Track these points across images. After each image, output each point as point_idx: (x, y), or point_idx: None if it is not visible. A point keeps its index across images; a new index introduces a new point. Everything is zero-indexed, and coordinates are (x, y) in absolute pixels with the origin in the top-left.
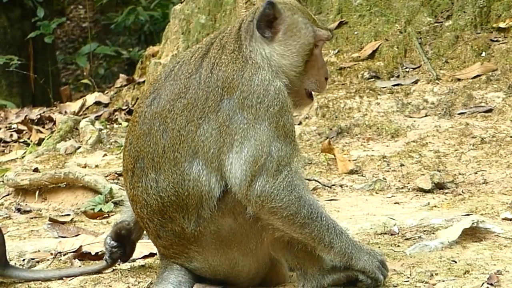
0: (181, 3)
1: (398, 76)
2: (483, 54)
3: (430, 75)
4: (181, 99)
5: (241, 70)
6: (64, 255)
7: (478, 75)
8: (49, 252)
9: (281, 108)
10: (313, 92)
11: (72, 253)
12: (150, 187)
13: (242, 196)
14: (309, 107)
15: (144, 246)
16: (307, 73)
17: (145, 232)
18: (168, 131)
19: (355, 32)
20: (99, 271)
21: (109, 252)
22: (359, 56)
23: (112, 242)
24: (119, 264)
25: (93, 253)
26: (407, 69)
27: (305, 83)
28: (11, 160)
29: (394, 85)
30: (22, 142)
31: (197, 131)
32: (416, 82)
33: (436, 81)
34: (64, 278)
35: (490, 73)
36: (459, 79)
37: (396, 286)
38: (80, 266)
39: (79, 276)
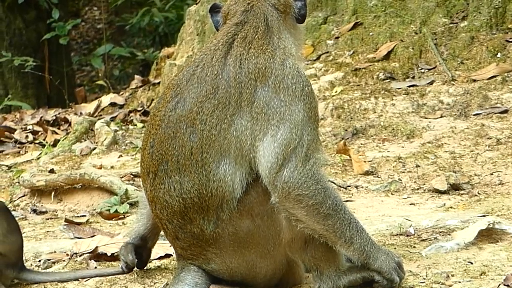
0: (196, 4)
1: (413, 77)
2: (499, 55)
3: (445, 76)
4: (210, 100)
5: (272, 57)
6: (80, 256)
7: (493, 76)
8: (65, 253)
9: (311, 90)
10: None
11: (88, 254)
12: (173, 189)
13: (269, 181)
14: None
15: (160, 247)
16: None
17: (161, 232)
18: (196, 132)
19: (370, 33)
20: (114, 275)
21: (125, 263)
22: (374, 57)
23: (127, 256)
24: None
25: (109, 254)
26: (423, 70)
27: None
28: (27, 161)
29: (409, 86)
30: (37, 143)
31: (229, 128)
32: (431, 83)
33: (452, 82)
34: (79, 279)
35: (506, 74)
36: (474, 80)
37: (412, 287)
38: (95, 268)
39: (95, 277)
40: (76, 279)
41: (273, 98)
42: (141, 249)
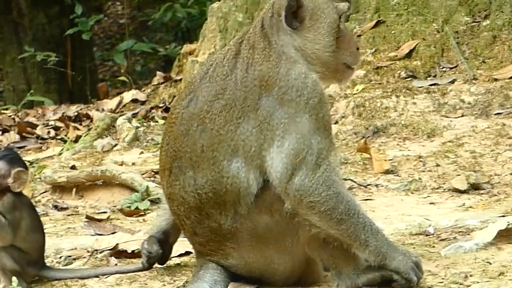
0: (219, 1)
1: (435, 76)
2: None
3: (467, 75)
4: (219, 100)
5: (276, 67)
6: (101, 252)
7: None
8: (85, 249)
9: (320, 100)
10: (355, 62)
11: (108, 251)
12: (188, 185)
13: (281, 190)
14: (351, 77)
15: (180, 245)
16: (340, 48)
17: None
18: (206, 131)
19: (392, 31)
20: (135, 272)
21: (146, 257)
22: (396, 55)
23: (149, 247)
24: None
25: (129, 251)
26: (444, 69)
27: (340, 58)
28: (48, 157)
29: (430, 85)
30: (59, 139)
31: (236, 130)
32: (453, 81)
33: (473, 81)
34: (100, 276)
35: None
36: (496, 79)
37: (430, 287)
38: (116, 265)
39: (115, 274)
40: (97, 276)
41: (277, 109)
42: (162, 244)
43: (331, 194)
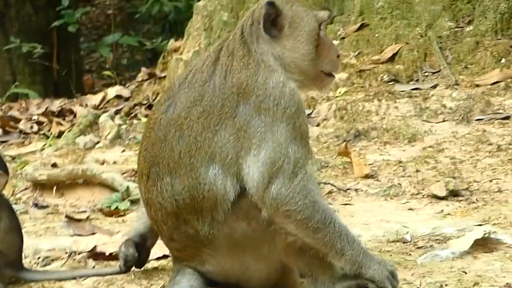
0: None
1: (417, 80)
2: (503, 60)
3: (449, 80)
4: (197, 106)
5: (254, 75)
6: (79, 254)
7: (497, 82)
8: (64, 250)
9: (297, 109)
10: (335, 69)
11: (86, 253)
12: (165, 191)
13: (258, 198)
14: (331, 85)
15: (158, 248)
16: (320, 56)
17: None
18: (184, 137)
19: (376, 35)
20: (112, 275)
21: (124, 261)
22: (379, 59)
23: (126, 251)
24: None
25: (107, 253)
26: (427, 73)
27: (320, 66)
28: (31, 152)
29: (413, 89)
30: (42, 134)
31: (214, 137)
32: (435, 86)
33: (455, 86)
34: (77, 278)
35: (509, 80)
36: (477, 85)
37: None
38: (93, 268)
39: (93, 277)
40: (74, 278)
41: (254, 118)
42: (140, 247)
43: (307, 203)
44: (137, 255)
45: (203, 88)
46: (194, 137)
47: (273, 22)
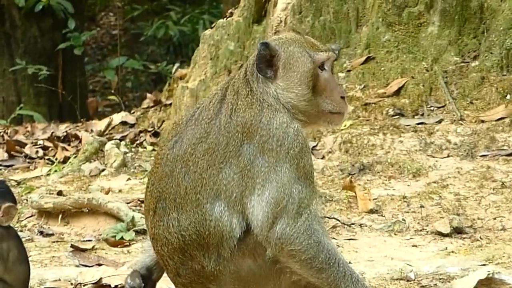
0: (211, 28)
1: (422, 115)
2: (508, 96)
3: (454, 115)
4: (202, 143)
5: (258, 115)
6: (84, 286)
7: (502, 118)
8: (69, 281)
9: (301, 149)
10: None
11: (92, 285)
12: (171, 226)
13: (263, 237)
14: (343, 119)
15: (163, 281)
16: (320, 96)
17: None
18: (190, 173)
19: (382, 68)
20: None
21: None
22: (385, 92)
23: (133, 282)
24: None
25: (112, 286)
26: (432, 108)
27: (321, 106)
28: (36, 177)
29: (418, 124)
30: (47, 159)
31: (219, 175)
32: (440, 121)
33: (460, 121)
34: None
35: None
36: (482, 121)
37: None
38: None
39: None
40: None
41: (257, 157)
42: (146, 280)
43: (312, 243)
44: (143, 285)
45: (209, 126)
46: (200, 174)
47: (269, 62)
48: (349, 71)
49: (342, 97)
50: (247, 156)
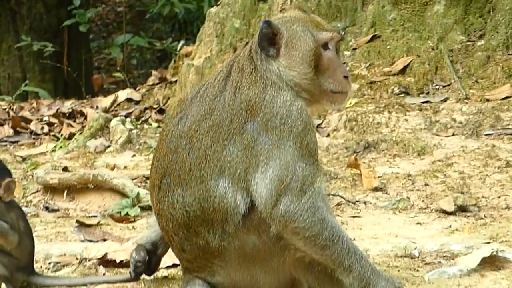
0: (217, 6)
1: (427, 93)
2: None
3: (459, 94)
4: (207, 120)
5: (262, 93)
6: (89, 261)
7: (507, 97)
8: (74, 256)
9: (305, 127)
10: (341, 89)
11: (97, 260)
12: (176, 202)
13: (267, 215)
14: (347, 99)
15: (168, 257)
16: (323, 76)
17: None
18: (194, 150)
19: (388, 47)
20: (122, 282)
21: (134, 267)
22: (390, 71)
23: (137, 256)
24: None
25: (117, 261)
26: (437, 87)
27: (324, 85)
28: (41, 153)
29: (423, 102)
30: (52, 135)
31: (223, 151)
32: (445, 100)
33: (465, 100)
34: (88, 285)
35: None
36: (488, 100)
37: None
38: (104, 275)
39: (104, 284)
40: (84, 285)
41: (261, 135)
42: (151, 254)
43: (315, 220)
44: (147, 258)
45: (213, 103)
46: (204, 150)
47: (271, 41)
48: (354, 49)
49: (345, 77)
50: (251, 134)
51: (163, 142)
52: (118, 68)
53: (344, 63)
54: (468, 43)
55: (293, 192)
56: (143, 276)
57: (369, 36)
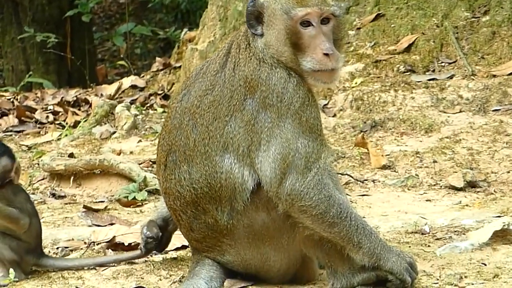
0: None
1: (433, 71)
2: None
3: (465, 70)
4: (208, 95)
5: (257, 70)
6: (97, 244)
7: None
8: (82, 241)
9: (302, 103)
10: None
11: (105, 243)
12: (183, 179)
13: (273, 194)
14: (333, 77)
15: (177, 238)
16: (304, 54)
17: None
18: (197, 126)
19: (392, 25)
20: (132, 259)
21: (144, 242)
22: (395, 49)
23: (148, 232)
24: (151, 256)
25: (126, 244)
26: (443, 64)
27: (302, 64)
28: (47, 142)
29: (429, 80)
30: (58, 124)
31: (225, 127)
32: (451, 77)
33: (472, 76)
34: (97, 268)
35: None
36: (494, 76)
37: None
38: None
39: (113, 267)
40: (95, 265)
41: (260, 113)
42: (162, 230)
43: (322, 198)
44: (160, 234)
45: (214, 78)
46: (206, 126)
47: (259, 19)
48: (359, 28)
49: (326, 54)
50: (250, 111)
51: (168, 119)
52: (122, 56)
53: (348, 42)
54: (473, 19)
55: (298, 170)
56: (152, 258)
57: (373, 15)
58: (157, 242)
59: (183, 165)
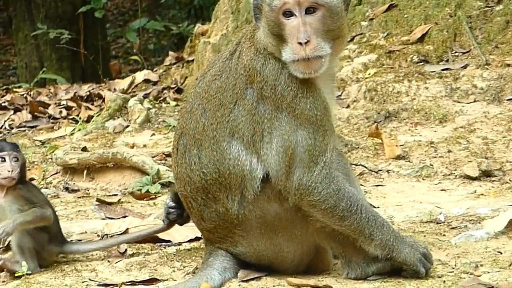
0: None
1: (447, 61)
2: None
3: (479, 60)
4: (216, 81)
5: (253, 59)
6: (111, 237)
7: None
8: (96, 233)
9: (295, 96)
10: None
11: (119, 235)
12: (193, 163)
13: (281, 187)
14: (314, 66)
15: (190, 230)
16: (286, 45)
17: None
18: (206, 111)
19: (405, 15)
20: (156, 233)
21: (167, 213)
22: (409, 40)
23: (171, 203)
24: (165, 248)
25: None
26: (457, 54)
27: (282, 55)
28: (60, 137)
29: (443, 70)
30: (71, 118)
31: (230, 114)
32: (465, 66)
33: (486, 66)
34: (110, 260)
35: None
36: (508, 65)
37: (441, 277)
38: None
39: (126, 259)
40: (119, 244)
41: (259, 104)
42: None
43: (331, 192)
44: (179, 213)
45: (223, 65)
46: (214, 112)
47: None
48: (371, 19)
49: (299, 43)
50: (251, 101)
51: (185, 103)
52: (135, 51)
53: (361, 33)
54: (486, 8)
55: (303, 163)
56: (166, 249)
57: (386, 6)
58: (179, 213)
59: (193, 149)
